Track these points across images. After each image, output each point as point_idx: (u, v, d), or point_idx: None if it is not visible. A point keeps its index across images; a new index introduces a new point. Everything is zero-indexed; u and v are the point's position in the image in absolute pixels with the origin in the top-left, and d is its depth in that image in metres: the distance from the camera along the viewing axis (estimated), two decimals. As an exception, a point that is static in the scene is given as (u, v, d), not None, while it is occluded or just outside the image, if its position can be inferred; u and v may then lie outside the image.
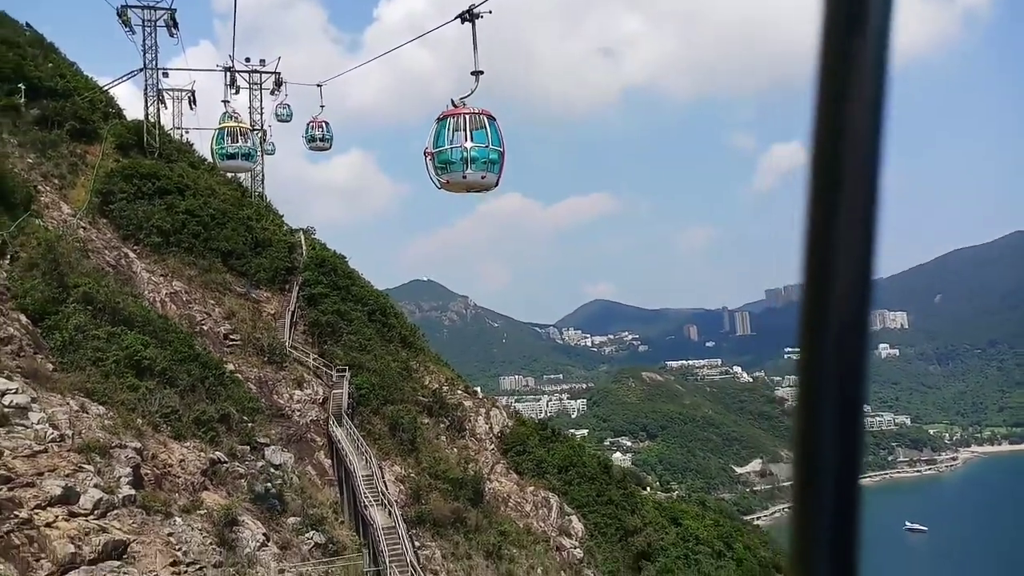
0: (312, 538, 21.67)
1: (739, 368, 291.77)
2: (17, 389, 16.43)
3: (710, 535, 43.84)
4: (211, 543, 17.23)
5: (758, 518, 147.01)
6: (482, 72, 16.54)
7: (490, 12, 15.81)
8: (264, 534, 19.37)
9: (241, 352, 32.91)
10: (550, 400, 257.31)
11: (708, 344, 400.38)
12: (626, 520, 40.70)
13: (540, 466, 41.66)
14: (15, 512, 13.80)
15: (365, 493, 24.23)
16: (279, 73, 52.09)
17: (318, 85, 46.07)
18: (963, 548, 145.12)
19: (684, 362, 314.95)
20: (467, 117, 16.61)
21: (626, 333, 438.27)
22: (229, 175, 45.38)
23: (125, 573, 14.33)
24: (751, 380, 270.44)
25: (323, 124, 46.29)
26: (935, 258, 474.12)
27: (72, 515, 14.80)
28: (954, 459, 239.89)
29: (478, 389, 45.83)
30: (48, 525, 14.11)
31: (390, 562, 21.11)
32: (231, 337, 33.91)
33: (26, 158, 35.58)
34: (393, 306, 45.53)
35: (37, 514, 14.16)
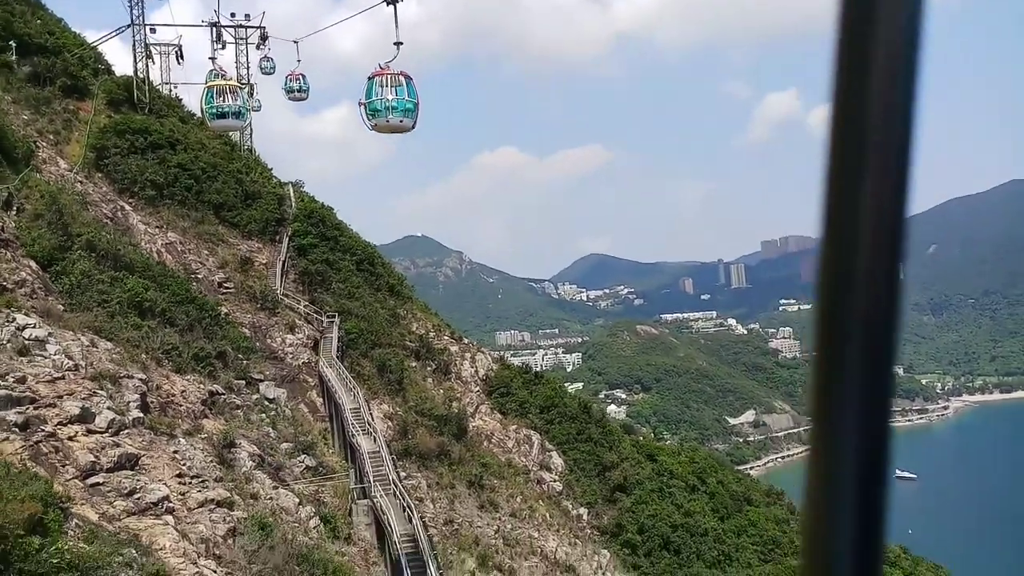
0: (303, 461, 23.88)
1: (734, 320, 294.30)
2: (35, 324, 18.31)
3: (684, 471, 46.45)
4: (212, 460, 19.34)
5: (751, 468, 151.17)
6: (402, 43, 22.08)
7: None
8: (259, 456, 21.52)
9: (235, 299, 34.76)
10: (545, 354, 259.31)
11: (703, 297, 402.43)
12: (604, 456, 43.21)
13: (523, 406, 43.96)
14: (41, 427, 15.80)
15: (352, 423, 26.37)
16: (263, 27, 52.95)
17: (295, 41, 51.60)
18: (950, 494, 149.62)
19: (679, 315, 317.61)
20: (389, 76, 22.35)
21: (622, 287, 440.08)
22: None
23: (137, 480, 16.42)
24: (745, 332, 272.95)
25: (300, 76, 51.69)
26: (930, 208, 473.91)
27: (90, 432, 16.81)
28: (945, 408, 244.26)
29: (462, 336, 47.73)
30: (70, 439, 16.13)
31: (374, 480, 23.35)
32: (225, 285, 35.73)
33: (21, 115, 36.84)
34: (381, 256, 47.28)
35: (60, 429, 16.17)
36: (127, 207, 35.66)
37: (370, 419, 27.05)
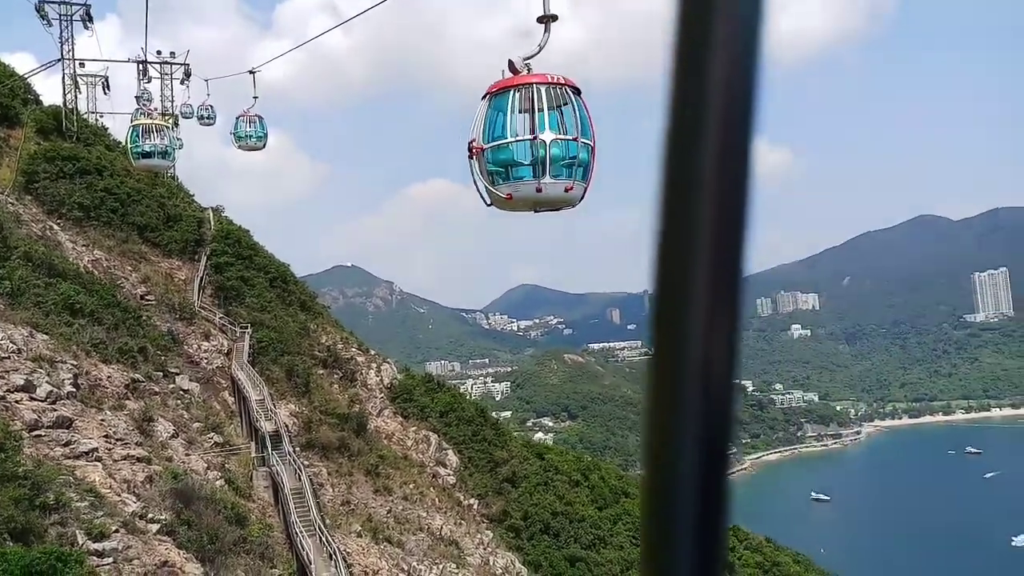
0: (213, 438, 28.13)
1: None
2: (-16, 315, 22.41)
3: (569, 468, 51.95)
4: (133, 429, 23.57)
5: None
6: (555, 17, 10.19)
7: None
8: (174, 430, 25.76)
9: (156, 309, 38.59)
10: (475, 384, 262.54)
11: (630, 327, 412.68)
12: (495, 453, 48.31)
13: (423, 411, 48.72)
14: (-8, 392, 19.98)
15: (257, 410, 30.73)
16: (188, 64, 57.05)
17: (251, 72, 34.44)
18: (861, 514, 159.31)
19: (605, 344, 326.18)
20: (541, 90, 10.08)
21: (551, 317, 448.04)
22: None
23: (72, 436, 20.66)
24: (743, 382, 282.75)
25: (256, 119, 35.95)
26: (845, 241, 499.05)
27: (32, 399, 20.95)
28: (858, 433, 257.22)
29: (369, 348, 52.33)
30: (16, 402, 20.30)
31: (272, 451, 27.80)
32: (146, 298, 39.51)
33: (-47, 141, 40.21)
34: (293, 275, 51.62)
35: (8, 395, 20.30)
36: (56, 227, 39.16)
37: (272, 407, 31.46)
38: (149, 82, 54.84)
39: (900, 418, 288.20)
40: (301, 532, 23.48)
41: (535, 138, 9.90)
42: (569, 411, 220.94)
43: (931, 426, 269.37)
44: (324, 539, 23.45)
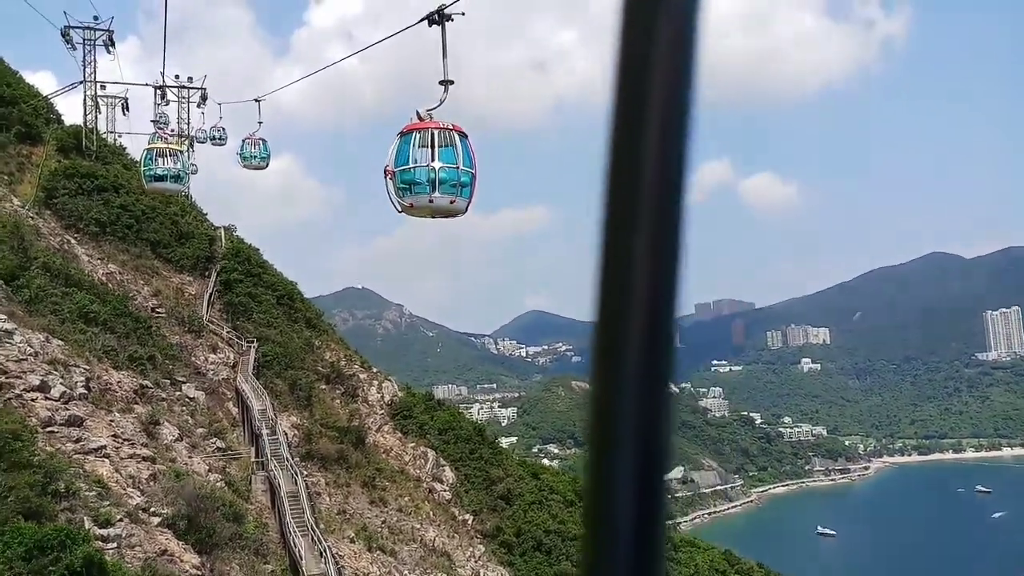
0: (215, 443, 29.44)
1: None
2: (4, 319, 23.93)
3: (564, 488, 52.82)
4: (140, 431, 24.94)
5: (679, 523, 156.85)
6: (452, 82, 14.62)
7: (463, 14, 14.36)
8: (179, 434, 27.10)
9: (166, 322, 40.16)
10: (481, 408, 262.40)
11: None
12: (491, 472, 49.33)
13: (423, 428, 49.90)
14: (11, 390, 21.41)
15: (259, 420, 32.06)
16: (205, 88, 59.27)
17: (256, 100, 39.56)
18: (867, 550, 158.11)
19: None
20: (435, 133, 14.52)
21: (560, 344, 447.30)
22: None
23: (82, 434, 22.03)
24: (677, 391, 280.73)
25: (260, 142, 41.78)
26: (857, 276, 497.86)
27: (46, 399, 22.39)
28: (866, 468, 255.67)
29: (371, 365, 53.66)
30: (32, 400, 21.74)
31: (271, 457, 29.07)
32: (157, 311, 41.11)
33: (-22, 159, 42.24)
34: (300, 292, 53.25)
35: (25, 394, 21.75)
36: (73, 240, 40.93)
37: (274, 416, 32.78)
38: (167, 105, 57.17)
39: (910, 454, 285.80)
40: (295, 531, 24.66)
41: (429, 166, 14.08)
42: (575, 438, 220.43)
43: (941, 463, 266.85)
44: (316, 538, 24.61)
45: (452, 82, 14.55)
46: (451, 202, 14.63)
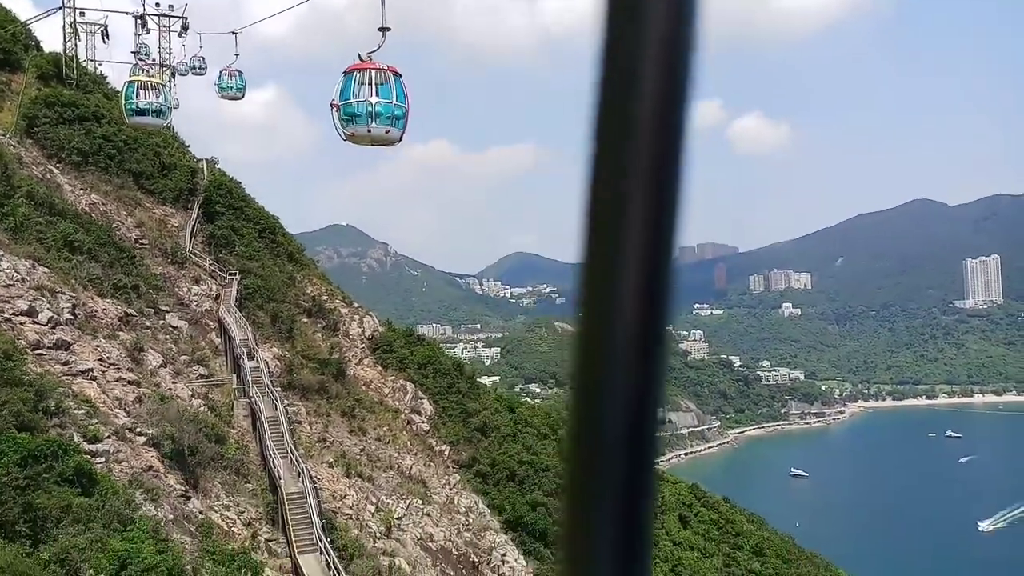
0: (198, 370, 30.60)
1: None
2: (-9, 246, 24.63)
3: (539, 421, 54.75)
4: (125, 356, 25.98)
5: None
6: (389, 28, 16.85)
7: None
8: (163, 361, 28.18)
9: (149, 253, 40.80)
10: (465, 348, 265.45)
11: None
12: (469, 405, 50.97)
13: (402, 362, 51.23)
14: (0, 314, 22.30)
15: (240, 348, 33.16)
16: (186, 18, 58.34)
17: (233, 33, 44.07)
18: (838, 492, 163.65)
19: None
20: (373, 72, 17.13)
21: (545, 286, 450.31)
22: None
23: (70, 357, 23.05)
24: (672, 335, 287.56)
25: (236, 73, 46.06)
26: (840, 222, 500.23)
27: (35, 323, 23.31)
28: (841, 413, 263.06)
29: (352, 300, 54.68)
30: (20, 324, 22.65)
31: (252, 382, 30.31)
32: (140, 242, 41.68)
33: (-45, 84, 41.94)
34: (282, 226, 53.78)
35: (13, 318, 22.66)
36: (55, 170, 41.13)
37: (255, 346, 33.89)
38: (148, 34, 56.36)
39: (884, 400, 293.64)
40: (274, 453, 26.01)
41: (368, 101, 17.05)
42: (557, 378, 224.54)
43: (914, 409, 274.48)
44: (294, 459, 26.01)
45: (389, 29, 17.23)
46: (386, 132, 17.46)
